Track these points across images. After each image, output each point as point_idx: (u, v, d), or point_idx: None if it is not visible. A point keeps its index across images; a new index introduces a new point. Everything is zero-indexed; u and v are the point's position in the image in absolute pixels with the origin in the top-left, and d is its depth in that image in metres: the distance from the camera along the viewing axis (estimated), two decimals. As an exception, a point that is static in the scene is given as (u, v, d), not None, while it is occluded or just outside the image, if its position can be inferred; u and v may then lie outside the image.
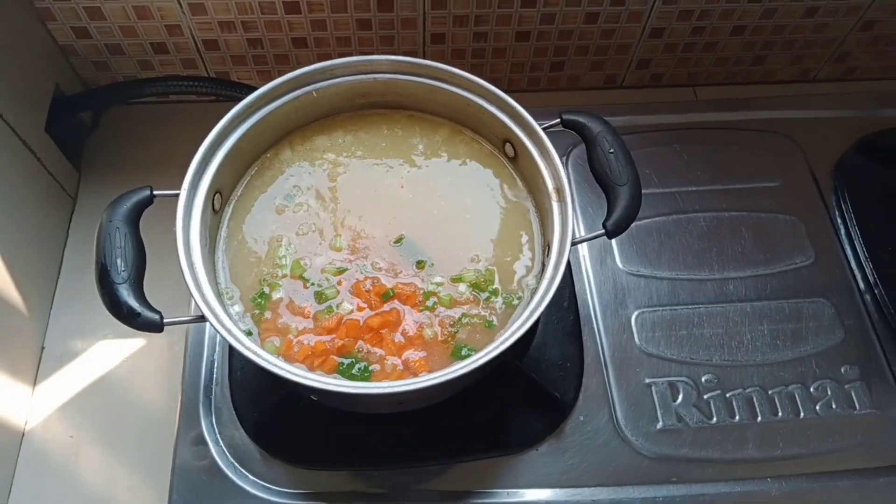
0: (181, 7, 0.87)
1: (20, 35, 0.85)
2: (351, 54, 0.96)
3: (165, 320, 0.49)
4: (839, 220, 0.75)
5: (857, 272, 0.72)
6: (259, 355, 0.48)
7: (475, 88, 0.60)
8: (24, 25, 0.86)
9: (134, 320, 0.48)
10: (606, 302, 0.69)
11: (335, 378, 0.50)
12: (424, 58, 0.96)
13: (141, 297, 0.49)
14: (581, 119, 0.58)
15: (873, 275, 0.71)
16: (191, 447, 0.63)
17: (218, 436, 0.63)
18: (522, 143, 0.59)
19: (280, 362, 0.49)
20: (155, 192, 0.54)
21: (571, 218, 0.54)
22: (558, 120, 0.59)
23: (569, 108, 0.59)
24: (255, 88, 0.93)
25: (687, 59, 1.02)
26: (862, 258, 0.72)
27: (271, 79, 1.00)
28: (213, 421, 0.64)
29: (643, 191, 0.72)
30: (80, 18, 0.88)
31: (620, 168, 0.55)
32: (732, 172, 0.78)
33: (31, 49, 0.87)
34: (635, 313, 0.69)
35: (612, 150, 0.56)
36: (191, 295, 0.49)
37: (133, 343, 0.86)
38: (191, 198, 0.54)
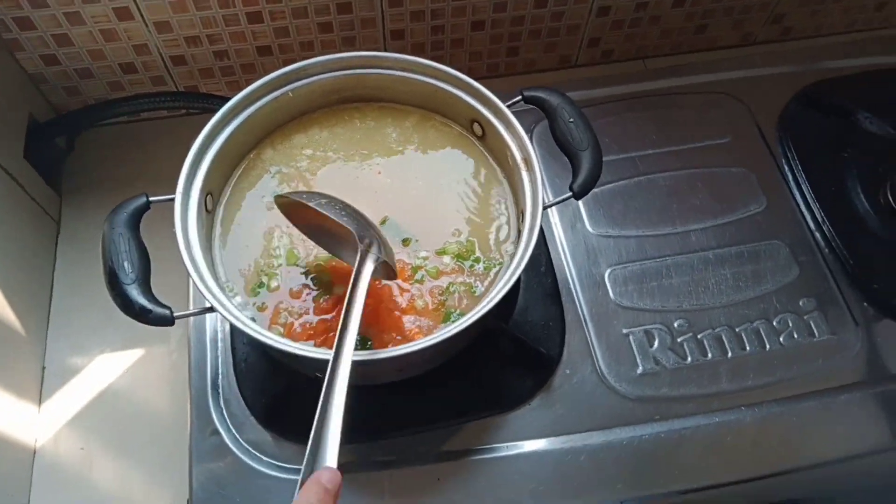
0: (147, 26, 0.90)
1: (-10, 68, 0.87)
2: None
3: (176, 314, 0.52)
4: (786, 168, 0.81)
5: (806, 213, 0.78)
6: (268, 336, 0.52)
7: (441, 76, 0.65)
8: (-7, 58, 0.88)
9: (146, 316, 0.52)
10: (580, 263, 0.74)
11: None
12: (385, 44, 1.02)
13: (150, 294, 0.53)
14: (541, 94, 0.62)
15: (821, 213, 0.77)
16: (206, 439, 0.66)
17: (230, 425, 0.66)
18: (489, 122, 0.64)
19: (287, 341, 0.53)
20: (151, 199, 0.57)
21: (540, 184, 0.59)
22: (520, 97, 0.64)
23: (529, 86, 0.64)
24: (223, 98, 0.98)
25: (634, 34, 1.07)
26: (810, 200, 0.78)
27: (239, 88, 1.04)
28: (224, 412, 0.67)
29: (604, 158, 0.78)
30: (48, 46, 0.90)
31: (581, 134, 0.60)
32: (684, 134, 0.83)
33: (1, 81, 0.89)
34: (608, 271, 0.74)
35: (571, 120, 0.60)
36: (197, 288, 0.53)
37: (132, 354, 0.89)
38: (185, 200, 0.58)
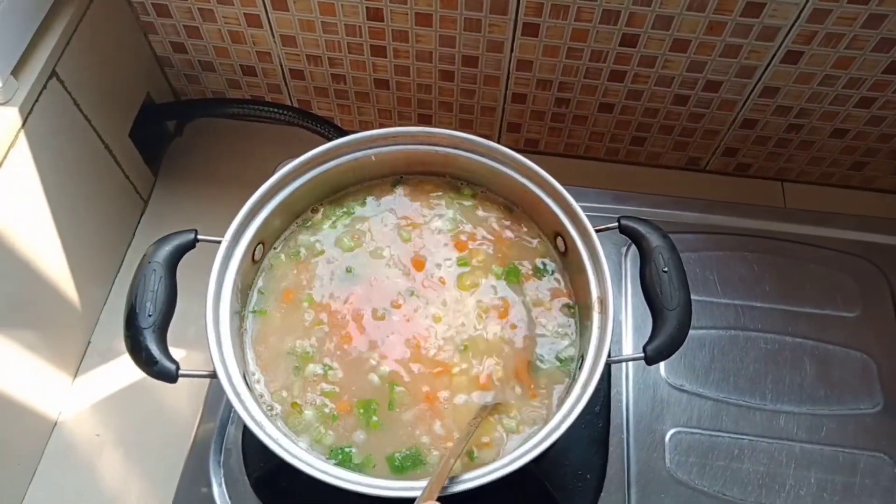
0: (273, 37, 0.90)
1: (122, 44, 0.89)
2: (430, 103, 0.97)
3: (180, 372, 0.49)
4: (918, 368, 0.68)
5: (930, 431, 0.65)
6: (262, 428, 0.47)
7: (532, 176, 0.58)
8: (126, 36, 0.90)
9: (151, 367, 0.49)
10: (642, 413, 0.65)
11: (336, 468, 0.49)
12: (503, 115, 0.97)
13: (162, 344, 0.50)
14: (640, 228, 0.54)
15: (949, 438, 0.63)
16: (194, 482, 0.63)
17: (222, 478, 0.63)
18: (573, 242, 0.56)
19: (282, 440, 0.48)
20: (199, 237, 0.54)
21: (610, 333, 0.51)
22: (616, 224, 0.56)
23: (629, 214, 0.56)
24: (334, 126, 0.96)
25: (778, 154, 0.96)
26: (938, 416, 0.65)
27: (350, 114, 1.03)
28: (221, 460, 0.64)
29: (703, 299, 0.69)
30: (179, 35, 0.92)
31: (672, 290, 0.51)
32: (805, 293, 0.72)
33: (129, 58, 0.92)
34: (671, 431, 0.64)
35: (665, 269, 0.52)
36: (210, 352, 0.49)
37: (175, 353, 0.88)
38: (231, 248, 0.55)
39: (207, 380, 0.76)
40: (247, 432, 0.63)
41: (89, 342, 0.89)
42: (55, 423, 0.83)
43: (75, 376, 0.87)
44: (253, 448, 0.62)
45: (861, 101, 0.85)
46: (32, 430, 0.80)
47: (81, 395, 0.85)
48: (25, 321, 0.76)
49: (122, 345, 0.86)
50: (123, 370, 0.87)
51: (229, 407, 0.65)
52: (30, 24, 0.73)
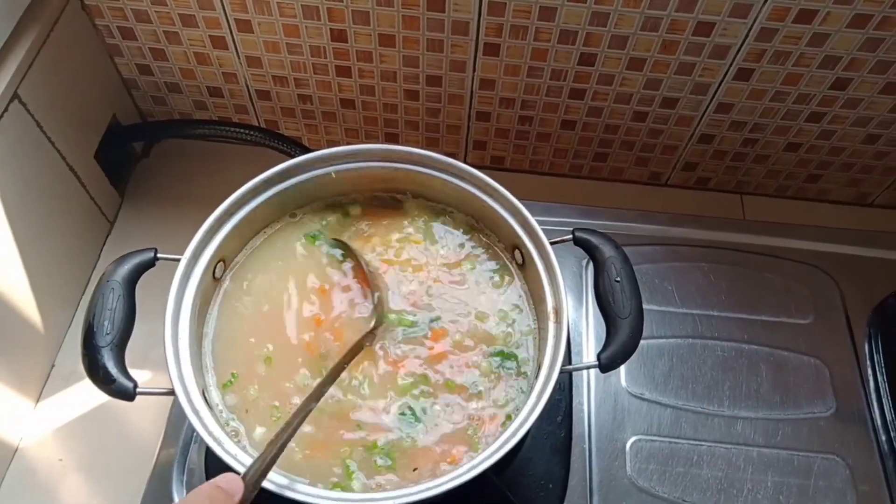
0: (238, 58, 0.91)
1: (87, 67, 0.89)
2: (396, 122, 0.98)
3: (138, 390, 0.49)
4: (869, 372, 0.70)
5: (881, 433, 0.66)
6: (221, 444, 0.47)
7: (490, 191, 0.60)
8: (91, 58, 0.90)
9: (108, 386, 0.49)
10: (603, 422, 0.66)
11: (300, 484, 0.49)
12: (468, 133, 0.98)
13: (120, 363, 0.50)
14: (593, 240, 0.56)
15: (900, 439, 0.65)
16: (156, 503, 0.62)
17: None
18: (530, 254, 0.58)
19: (240, 456, 0.48)
20: (158, 256, 0.55)
21: (565, 342, 0.52)
22: (570, 236, 0.57)
23: (582, 226, 0.57)
24: (300, 145, 0.97)
25: (736, 168, 0.99)
26: (889, 418, 0.67)
27: (318, 133, 1.04)
28: (184, 480, 0.63)
29: (661, 309, 0.70)
30: (144, 57, 0.93)
31: (625, 299, 0.53)
32: (761, 302, 0.74)
33: (95, 80, 0.92)
34: (632, 439, 0.66)
35: (618, 279, 0.53)
36: (168, 369, 0.49)
37: (138, 375, 0.88)
38: (191, 266, 0.55)
39: (170, 402, 0.77)
40: (209, 452, 0.63)
41: (53, 365, 0.88)
42: (16, 449, 0.82)
43: (38, 400, 0.85)
44: (215, 467, 0.62)
45: (811, 116, 0.88)
46: (-8, 456, 0.79)
47: (44, 419, 0.84)
48: (-15, 344, 0.75)
49: (87, 367, 0.87)
50: (87, 394, 0.86)
51: (192, 428, 0.64)
52: (-10, 48, 0.74)
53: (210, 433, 0.47)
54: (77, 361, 0.86)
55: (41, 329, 0.85)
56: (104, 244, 0.97)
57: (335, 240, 0.62)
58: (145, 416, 0.84)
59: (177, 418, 0.65)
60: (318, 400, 0.48)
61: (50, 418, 0.84)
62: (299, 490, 0.47)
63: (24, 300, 0.80)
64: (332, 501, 0.46)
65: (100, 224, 0.97)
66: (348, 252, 0.61)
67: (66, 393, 0.86)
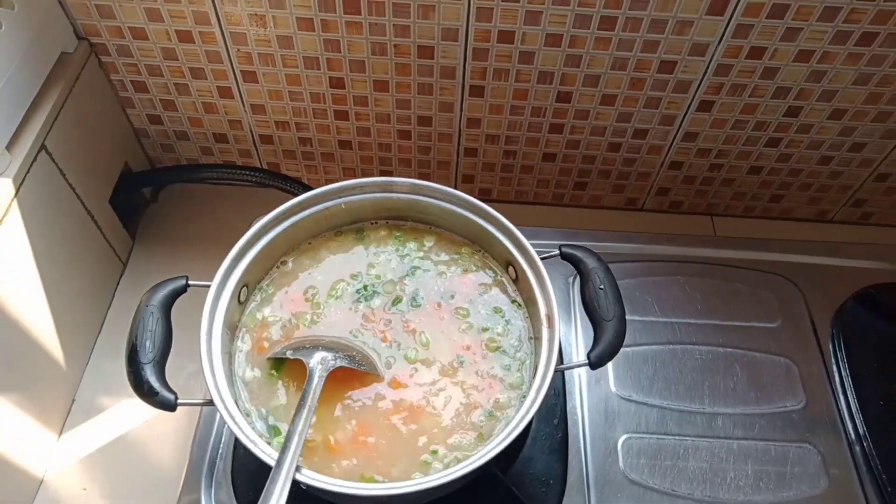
0: (244, 106, 0.98)
1: (103, 119, 0.96)
2: (390, 160, 1.06)
3: (179, 401, 0.54)
4: (834, 368, 0.77)
5: (847, 422, 0.73)
6: (256, 444, 0.53)
7: (484, 214, 0.67)
8: (107, 111, 0.97)
9: (153, 398, 0.54)
10: (596, 423, 0.72)
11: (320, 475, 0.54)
12: (457, 168, 1.06)
13: (162, 377, 0.55)
14: (577, 253, 0.63)
15: (863, 426, 0.72)
16: (188, 518, 0.67)
17: (214, 511, 0.67)
18: (523, 269, 0.64)
19: (269, 451, 0.53)
20: (189, 283, 0.61)
21: (558, 345, 0.59)
22: (557, 252, 0.64)
23: (569, 243, 0.64)
24: (301, 184, 1.04)
25: (705, 192, 1.07)
26: (853, 408, 0.73)
27: (317, 173, 1.11)
28: (213, 495, 0.68)
29: (643, 318, 0.77)
30: (155, 108, 1.00)
31: (608, 304, 0.60)
32: (732, 309, 0.81)
33: (109, 130, 0.99)
34: (623, 437, 0.72)
35: (602, 287, 0.60)
36: (205, 382, 0.55)
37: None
38: (220, 290, 0.61)
39: (192, 432, 0.82)
40: (235, 463, 0.68)
41: (74, 399, 0.92)
42: (42, 480, 0.86)
43: (61, 433, 0.90)
44: (242, 477, 0.67)
45: (769, 141, 0.97)
46: (19, 487, 0.82)
47: (67, 451, 0.88)
48: (12, 380, 0.79)
49: (107, 402, 0.92)
50: (108, 426, 0.90)
51: (218, 441, 0.70)
52: (22, 103, 0.80)
53: (246, 435, 0.53)
54: (96, 395, 0.93)
55: (63, 365, 0.90)
56: (118, 284, 1.03)
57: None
58: (164, 445, 0.89)
59: (203, 435, 0.70)
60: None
61: (73, 450, 0.88)
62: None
63: (48, 338, 0.85)
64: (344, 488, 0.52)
65: (114, 265, 1.02)
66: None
67: (87, 425, 0.91)
